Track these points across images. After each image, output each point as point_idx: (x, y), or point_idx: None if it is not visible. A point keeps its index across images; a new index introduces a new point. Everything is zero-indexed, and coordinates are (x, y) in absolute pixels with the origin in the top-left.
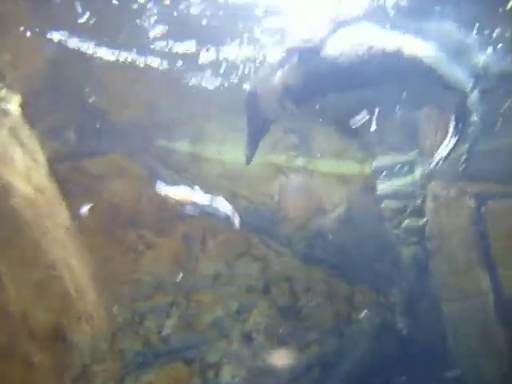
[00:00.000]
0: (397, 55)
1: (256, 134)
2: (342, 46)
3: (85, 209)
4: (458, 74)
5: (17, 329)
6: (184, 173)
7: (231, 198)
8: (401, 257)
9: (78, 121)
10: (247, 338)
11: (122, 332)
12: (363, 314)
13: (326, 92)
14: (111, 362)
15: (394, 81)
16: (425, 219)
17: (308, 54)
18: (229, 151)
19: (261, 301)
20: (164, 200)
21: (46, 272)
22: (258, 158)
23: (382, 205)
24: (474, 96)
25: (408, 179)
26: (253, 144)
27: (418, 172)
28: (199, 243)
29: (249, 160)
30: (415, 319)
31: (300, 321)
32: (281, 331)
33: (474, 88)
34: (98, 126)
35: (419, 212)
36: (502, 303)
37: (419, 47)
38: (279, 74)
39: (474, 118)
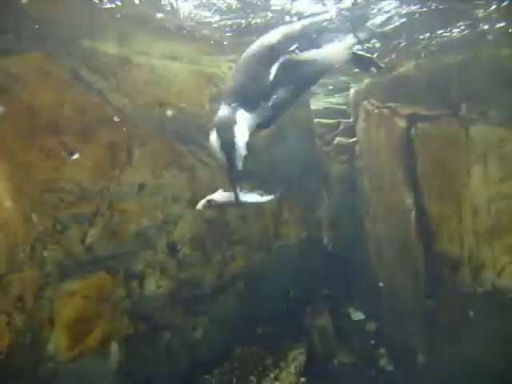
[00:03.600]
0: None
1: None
2: None
3: (1, 111)
4: None
5: None
6: (111, 77)
7: (160, 106)
8: (330, 174)
9: None
10: (172, 249)
11: (43, 241)
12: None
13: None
14: (29, 271)
15: None
16: (355, 138)
17: None
18: (158, 56)
19: (187, 212)
20: (87, 104)
21: None
22: (189, 65)
23: (315, 121)
24: None
25: (342, 97)
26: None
27: (352, 90)
28: (124, 151)
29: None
30: (340, 235)
31: (227, 234)
32: (207, 243)
33: None
34: (15, 19)
35: (351, 130)
36: (422, 221)
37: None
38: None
39: None
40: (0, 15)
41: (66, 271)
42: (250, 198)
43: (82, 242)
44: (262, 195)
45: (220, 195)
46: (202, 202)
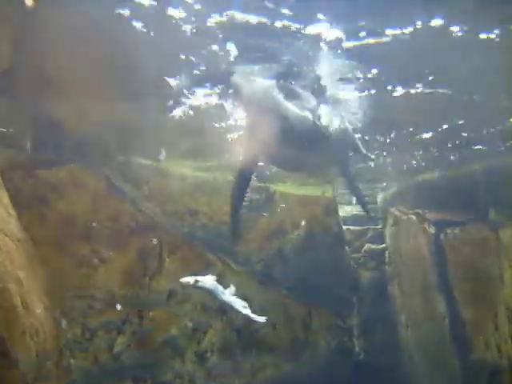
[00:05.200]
0: None
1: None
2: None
3: (37, 220)
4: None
5: None
6: (144, 186)
7: (191, 214)
8: (360, 281)
9: (34, 129)
10: (201, 358)
11: (71, 348)
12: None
13: None
14: (57, 380)
15: None
16: (385, 244)
17: None
18: (191, 166)
19: (216, 321)
20: (119, 214)
21: None
22: (221, 175)
23: (344, 228)
24: None
25: (369, 204)
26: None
27: (380, 197)
28: (155, 259)
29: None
30: (372, 343)
31: (256, 342)
32: (236, 352)
33: None
34: (55, 135)
35: (380, 237)
36: (457, 328)
37: None
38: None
39: None
40: (41, 129)
41: (93, 380)
42: (236, 302)
43: (110, 350)
44: (246, 308)
45: (208, 281)
46: (188, 279)
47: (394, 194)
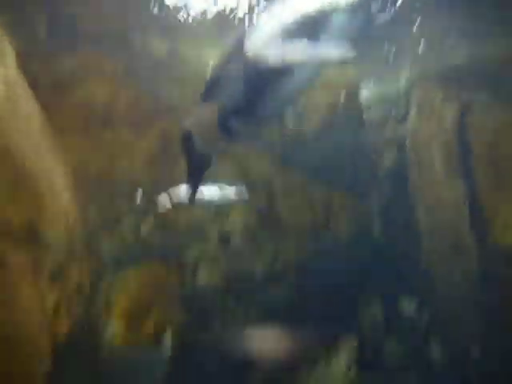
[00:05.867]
0: None
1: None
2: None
3: (58, 107)
4: None
5: None
6: (163, 71)
7: None
8: (381, 164)
9: (50, 15)
10: (224, 240)
11: (99, 232)
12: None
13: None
14: (87, 261)
15: None
16: (407, 127)
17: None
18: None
19: (239, 203)
20: (139, 98)
21: (18, 171)
22: None
23: (365, 111)
24: None
25: (392, 86)
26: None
27: (403, 78)
28: (177, 142)
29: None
30: (392, 225)
31: (278, 225)
32: (258, 234)
33: None
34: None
35: (402, 120)
36: (476, 211)
37: None
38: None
39: None
40: (55, 15)
41: (122, 261)
42: (213, 194)
43: (137, 232)
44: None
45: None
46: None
47: (418, 73)
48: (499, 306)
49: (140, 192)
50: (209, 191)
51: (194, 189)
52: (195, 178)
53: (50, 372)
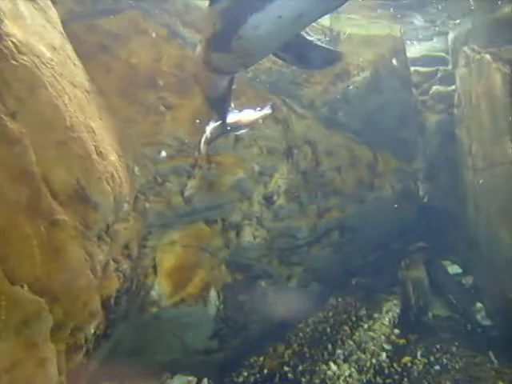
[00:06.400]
0: None
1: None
2: None
3: (102, 70)
4: None
5: (39, 189)
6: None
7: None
8: (426, 124)
9: None
10: (268, 200)
11: (144, 193)
12: None
13: None
14: (134, 222)
15: None
16: (454, 86)
17: None
18: None
19: (282, 164)
20: (183, 60)
21: (65, 133)
22: None
23: (411, 70)
24: None
25: (440, 43)
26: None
27: (451, 35)
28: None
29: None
30: (437, 186)
31: (321, 185)
32: (302, 195)
33: None
34: None
35: (450, 78)
36: None
37: None
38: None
39: None
40: None
41: (167, 222)
42: (243, 117)
43: (182, 193)
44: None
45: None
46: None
47: (467, 31)
48: None
49: (163, 154)
50: (237, 116)
51: (223, 117)
52: (219, 107)
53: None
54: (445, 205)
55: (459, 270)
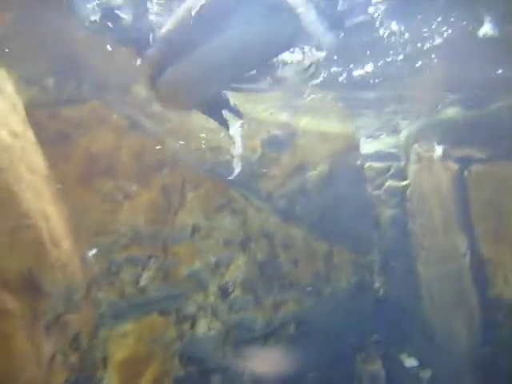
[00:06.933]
0: None
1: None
2: None
3: (62, 157)
4: None
5: None
6: (166, 123)
7: (212, 150)
8: (381, 217)
9: (57, 68)
10: (224, 292)
11: (98, 282)
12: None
13: None
14: (85, 312)
15: None
16: (407, 181)
17: None
18: None
19: (239, 255)
20: (142, 150)
21: (19, 220)
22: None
23: (365, 165)
24: None
25: (392, 140)
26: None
27: (403, 133)
28: (178, 195)
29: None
30: (392, 279)
31: (278, 277)
32: (258, 287)
33: None
34: (77, 74)
35: (402, 173)
36: (477, 266)
37: None
38: None
39: None
40: (65, 63)
41: (120, 312)
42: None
43: (136, 283)
44: None
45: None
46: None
47: (417, 130)
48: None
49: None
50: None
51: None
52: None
53: None
54: (400, 297)
55: (416, 364)
